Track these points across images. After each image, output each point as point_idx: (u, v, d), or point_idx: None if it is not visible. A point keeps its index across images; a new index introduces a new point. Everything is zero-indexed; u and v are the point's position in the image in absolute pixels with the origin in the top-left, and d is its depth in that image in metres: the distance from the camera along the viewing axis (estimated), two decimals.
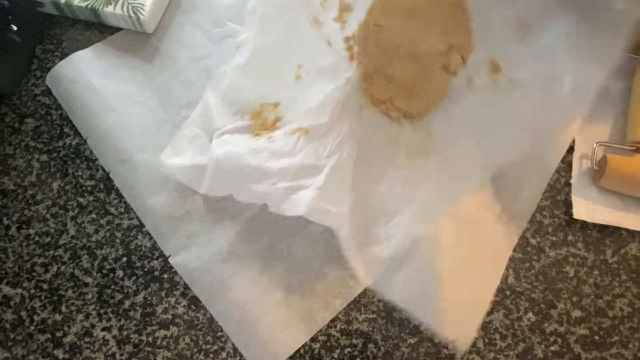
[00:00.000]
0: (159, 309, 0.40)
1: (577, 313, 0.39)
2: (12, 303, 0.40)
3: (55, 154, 0.46)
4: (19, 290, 0.41)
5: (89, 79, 0.47)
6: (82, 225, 0.43)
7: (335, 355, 0.38)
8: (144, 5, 0.48)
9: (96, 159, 0.45)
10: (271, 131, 0.43)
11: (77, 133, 0.46)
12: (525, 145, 0.42)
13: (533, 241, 0.42)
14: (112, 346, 0.39)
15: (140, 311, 0.40)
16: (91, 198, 0.44)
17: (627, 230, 0.42)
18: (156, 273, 0.41)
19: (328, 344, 0.39)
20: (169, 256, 0.41)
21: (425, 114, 0.45)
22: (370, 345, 0.38)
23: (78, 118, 0.46)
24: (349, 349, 0.38)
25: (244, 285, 0.40)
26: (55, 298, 0.40)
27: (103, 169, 0.45)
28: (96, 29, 0.51)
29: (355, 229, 0.40)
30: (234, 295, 0.39)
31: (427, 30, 0.45)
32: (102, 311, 0.40)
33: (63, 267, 0.41)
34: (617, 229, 0.42)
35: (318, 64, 0.45)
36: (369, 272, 0.40)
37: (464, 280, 0.39)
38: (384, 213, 0.42)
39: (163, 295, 0.40)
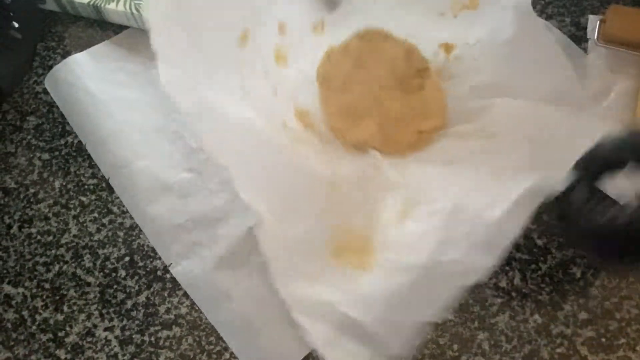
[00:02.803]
0: (162, 309, 0.39)
1: (584, 315, 0.39)
2: (13, 302, 0.40)
3: (57, 152, 0.45)
4: (20, 290, 0.40)
5: (86, 83, 0.46)
6: (84, 224, 0.42)
7: None
8: None
9: None
10: None
11: None
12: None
13: (539, 242, 0.41)
14: (115, 346, 0.38)
15: (142, 311, 0.39)
16: (93, 197, 0.43)
17: None
18: (159, 273, 0.41)
19: None
20: (170, 265, 0.40)
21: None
22: None
23: (76, 123, 0.46)
24: None
25: (245, 294, 0.39)
26: (57, 298, 0.40)
27: None
28: (98, 26, 0.51)
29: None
30: (236, 306, 0.39)
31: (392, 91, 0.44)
32: (104, 311, 0.39)
33: (65, 267, 0.41)
34: None
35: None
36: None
37: None
38: None
39: (166, 295, 0.40)
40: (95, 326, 0.39)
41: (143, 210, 0.42)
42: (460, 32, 0.45)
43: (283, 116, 0.42)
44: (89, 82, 0.47)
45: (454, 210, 0.36)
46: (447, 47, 0.46)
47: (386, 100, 0.44)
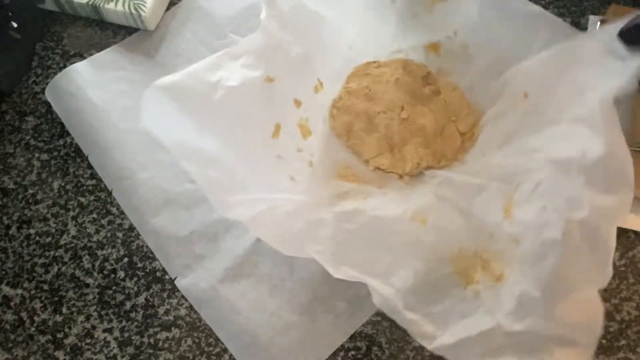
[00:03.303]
0: (161, 311, 0.39)
1: None
2: (12, 304, 0.40)
3: (55, 153, 0.45)
4: (19, 291, 0.40)
5: (87, 93, 0.46)
6: (83, 225, 0.42)
7: (339, 359, 0.38)
8: (145, 3, 0.48)
9: None
10: None
11: None
12: None
13: None
14: (114, 348, 0.38)
15: (141, 312, 0.39)
16: (92, 197, 0.43)
17: (635, 233, 0.41)
18: (158, 274, 0.41)
19: None
20: (175, 279, 0.40)
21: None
22: (375, 349, 0.38)
23: (78, 134, 0.45)
24: (353, 352, 0.38)
25: (252, 307, 0.38)
26: (56, 299, 0.40)
27: None
28: (97, 26, 0.51)
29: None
30: (243, 319, 0.38)
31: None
32: (103, 312, 0.39)
33: (64, 268, 0.41)
34: (625, 231, 0.41)
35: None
36: None
37: None
38: None
39: (165, 296, 0.40)
40: (94, 327, 0.39)
41: (147, 223, 0.41)
42: (438, 28, 0.46)
43: (328, 183, 0.41)
44: (90, 91, 0.46)
45: (557, 173, 0.33)
46: (434, 47, 0.46)
47: (416, 118, 0.44)
